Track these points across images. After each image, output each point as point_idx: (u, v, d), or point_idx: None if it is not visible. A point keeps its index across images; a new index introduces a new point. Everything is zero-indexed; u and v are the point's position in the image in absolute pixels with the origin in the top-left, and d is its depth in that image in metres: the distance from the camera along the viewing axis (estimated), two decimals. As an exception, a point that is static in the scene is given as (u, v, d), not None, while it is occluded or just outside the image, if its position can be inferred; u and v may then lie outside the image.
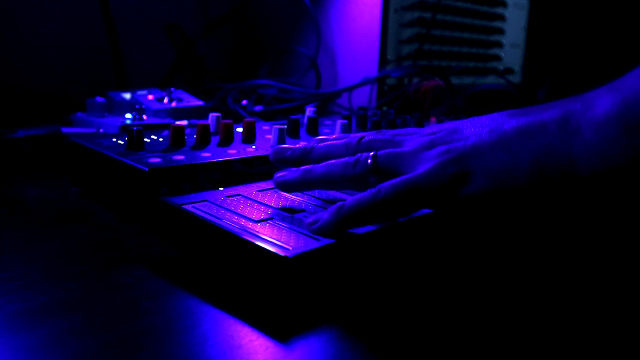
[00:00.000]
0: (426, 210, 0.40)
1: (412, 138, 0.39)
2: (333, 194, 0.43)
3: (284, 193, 0.43)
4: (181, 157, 0.44)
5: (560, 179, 0.32)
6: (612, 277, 0.37)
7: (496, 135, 0.34)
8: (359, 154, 0.38)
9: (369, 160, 0.37)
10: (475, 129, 0.36)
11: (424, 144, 0.37)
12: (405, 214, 0.36)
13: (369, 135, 0.41)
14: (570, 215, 0.46)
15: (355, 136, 0.41)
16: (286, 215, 0.38)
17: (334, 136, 0.44)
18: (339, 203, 0.35)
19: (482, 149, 0.34)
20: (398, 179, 0.35)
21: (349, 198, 0.36)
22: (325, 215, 0.35)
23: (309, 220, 0.36)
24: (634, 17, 1.21)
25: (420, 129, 0.40)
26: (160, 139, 0.51)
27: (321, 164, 0.39)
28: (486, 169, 0.34)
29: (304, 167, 0.40)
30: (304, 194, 0.43)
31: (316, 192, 0.43)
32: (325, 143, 0.42)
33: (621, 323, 0.31)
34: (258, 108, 0.89)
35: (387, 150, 0.38)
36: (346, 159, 0.38)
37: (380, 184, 0.36)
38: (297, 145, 0.42)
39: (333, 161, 0.39)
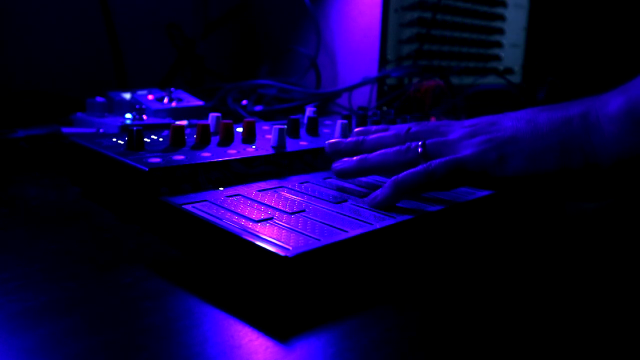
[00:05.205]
0: (425, 211, 0.40)
1: (455, 129, 0.45)
2: (333, 193, 0.44)
3: (284, 193, 0.43)
4: (181, 157, 0.44)
5: (583, 163, 0.38)
6: (620, 276, 0.37)
7: (532, 126, 0.41)
8: (409, 142, 0.44)
9: (420, 149, 0.44)
10: (512, 122, 0.42)
11: (467, 133, 0.43)
12: (450, 187, 0.42)
13: (414, 127, 0.47)
14: (583, 213, 0.49)
15: (402, 127, 0.48)
16: (286, 215, 0.38)
17: (375, 127, 0.51)
18: (393, 178, 0.41)
19: (520, 137, 0.40)
20: (447, 158, 0.41)
21: (395, 176, 0.41)
22: (381, 190, 0.41)
23: (368, 199, 0.41)
24: (634, 17, 1.21)
25: (459, 121, 0.47)
26: (160, 139, 0.51)
27: (375, 153, 0.45)
28: (522, 153, 0.40)
29: (359, 156, 0.45)
30: (303, 194, 0.43)
31: (316, 192, 0.44)
32: (375, 135, 0.48)
33: (631, 323, 0.31)
34: (258, 108, 0.89)
35: (435, 139, 0.44)
36: (398, 147, 0.44)
37: (431, 160, 0.41)
38: (350, 139, 0.49)
39: (386, 150, 0.45)
